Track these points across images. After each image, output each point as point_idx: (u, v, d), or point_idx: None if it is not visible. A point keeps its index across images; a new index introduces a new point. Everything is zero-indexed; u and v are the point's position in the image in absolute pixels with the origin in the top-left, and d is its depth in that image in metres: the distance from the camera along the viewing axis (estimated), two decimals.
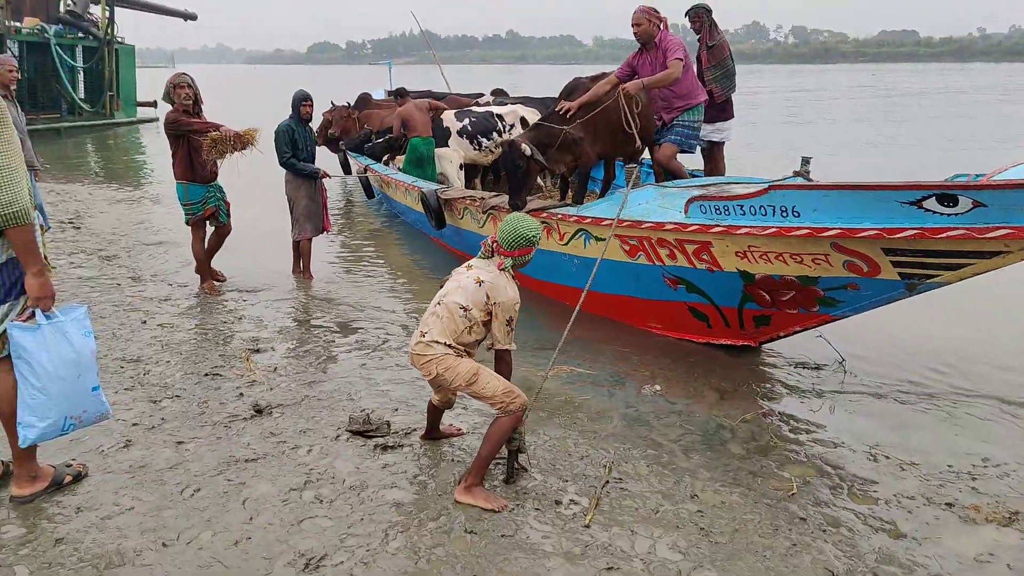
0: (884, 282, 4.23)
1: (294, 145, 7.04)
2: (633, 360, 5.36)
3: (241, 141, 6.34)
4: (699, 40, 7.33)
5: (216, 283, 6.98)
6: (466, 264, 3.71)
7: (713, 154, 7.18)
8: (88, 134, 22.57)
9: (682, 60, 6.10)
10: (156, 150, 20.20)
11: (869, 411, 4.59)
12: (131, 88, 26.49)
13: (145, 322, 5.82)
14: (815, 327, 4.99)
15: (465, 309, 3.42)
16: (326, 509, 3.21)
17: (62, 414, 3.02)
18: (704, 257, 4.99)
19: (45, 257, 3.19)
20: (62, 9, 23.46)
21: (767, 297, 4.92)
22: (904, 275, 4.13)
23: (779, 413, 4.47)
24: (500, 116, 9.22)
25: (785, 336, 5.21)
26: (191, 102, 6.42)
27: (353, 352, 5.35)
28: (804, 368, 5.25)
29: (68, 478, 3.29)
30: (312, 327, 5.91)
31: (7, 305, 2.98)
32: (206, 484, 3.36)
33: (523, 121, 9.16)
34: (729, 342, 5.46)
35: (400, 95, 10.95)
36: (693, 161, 7.41)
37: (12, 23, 21.38)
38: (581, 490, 3.50)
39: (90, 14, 23.98)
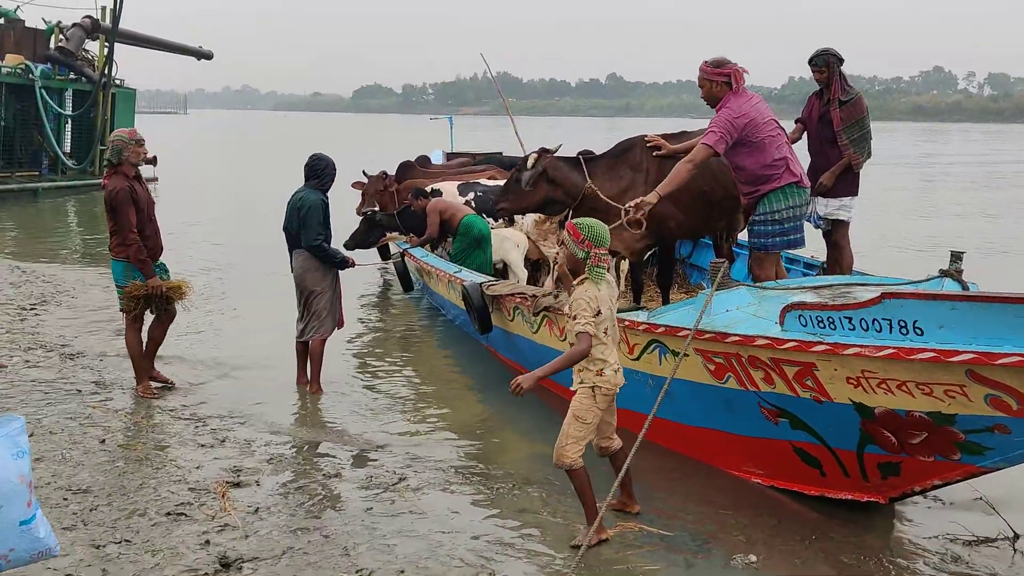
0: None
1: (326, 224, 7.47)
2: (723, 518, 5.37)
3: (168, 297, 7.22)
4: (828, 96, 7.48)
5: (156, 385, 7.45)
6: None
7: (836, 238, 7.28)
8: (71, 196, 24.08)
9: (711, 147, 6.32)
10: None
11: None
12: None
13: (103, 441, 6.18)
14: (960, 480, 4.94)
15: None
16: None
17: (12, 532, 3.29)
18: (808, 383, 5.05)
19: None
20: (52, 45, 25.36)
21: (892, 439, 4.92)
22: None
23: None
24: None
25: (922, 492, 5.17)
26: (143, 163, 7.24)
27: (359, 492, 5.55)
28: (957, 543, 5.13)
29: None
30: (313, 456, 6.16)
31: None
32: None
33: None
34: (851, 496, 5.43)
35: (417, 195, 10.88)
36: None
37: None
38: None
39: (85, 51, 25.88)
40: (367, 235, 10.69)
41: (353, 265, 7.72)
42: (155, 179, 29.36)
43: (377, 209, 10.90)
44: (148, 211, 7.19)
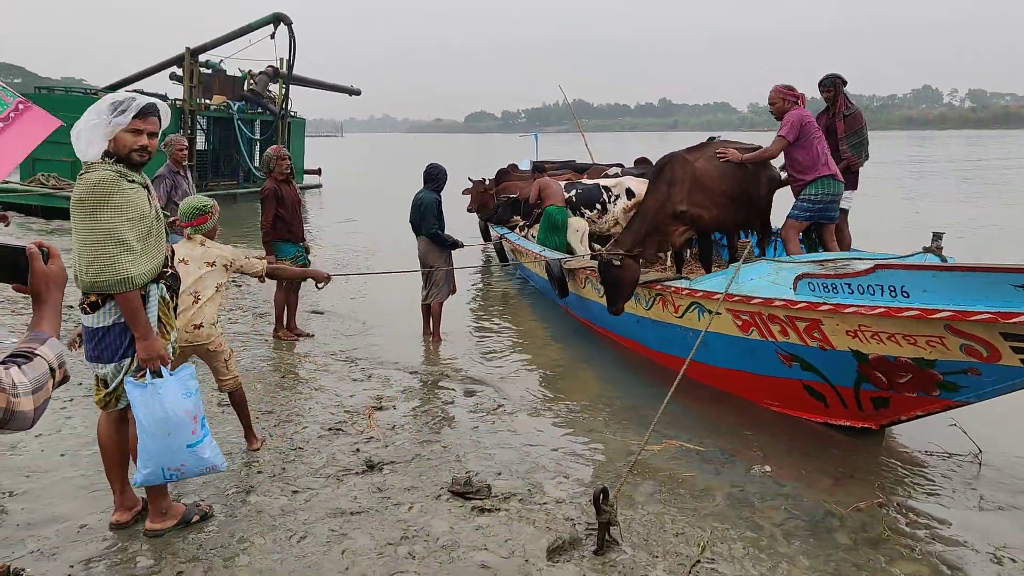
0: (1007, 368, 3.99)
1: (440, 217, 7.54)
2: (747, 438, 5.25)
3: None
4: (833, 111, 7.29)
5: (295, 336, 7.63)
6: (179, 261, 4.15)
7: (837, 222, 7.03)
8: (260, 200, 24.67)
9: (784, 137, 6.34)
10: (316, 214, 21.86)
11: (1002, 509, 4.26)
12: (300, 157, 28.82)
13: (283, 376, 6.33)
14: (940, 412, 4.72)
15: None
16: (416, 565, 3.38)
17: (159, 465, 3.38)
18: (815, 335, 4.88)
19: (167, 322, 3.53)
20: (246, 88, 26.02)
21: (883, 379, 4.72)
22: None
23: (897, 504, 4.23)
24: (607, 188, 9.52)
25: (907, 420, 4.96)
26: (289, 172, 7.31)
27: (469, 414, 5.57)
28: (932, 457, 4.95)
29: (196, 517, 3.67)
30: (435, 388, 6.21)
31: (124, 362, 3.37)
32: (311, 532, 3.63)
33: (628, 192, 9.38)
34: (848, 423, 5.25)
35: (537, 169, 11.37)
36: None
37: (203, 100, 23.96)
38: (670, 568, 3.48)
39: (269, 92, 26.46)
40: (504, 215, 10.88)
41: (462, 246, 7.75)
42: (320, 185, 30.16)
43: (510, 199, 10.91)
44: (293, 206, 7.32)
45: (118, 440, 3.54)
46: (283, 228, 7.28)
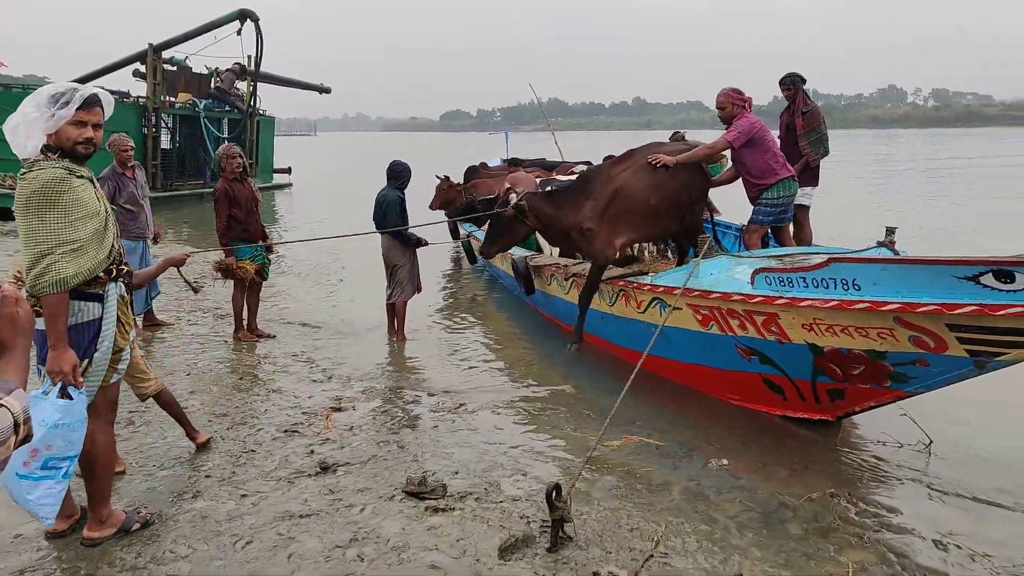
0: (952, 359, 4.04)
1: (403, 214, 7.48)
2: (706, 432, 5.27)
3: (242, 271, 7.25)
4: (792, 108, 7.35)
5: (255, 337, 7.58)
6: None
7: (799, 219, 7.08)
8: None
9: (728, 140, 6.33)
10: (287, 214, 21.69)
11: (949, 498, 4.31)
12: (269, 156, 28.60)
13: (241, 377, 6.26)
14: (891, 402, 4.77)
15: None
16: (364, 567, 3.35)
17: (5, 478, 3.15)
18: (773, 328, 4.91)
19: (126, 321, 3.47)
20: (212, 85, 25.73)
21: (838, 371, 4.76)
22: (972, 352, 3.93)
23: (848, 494, 4.26)
24: None
25: (862, 411, 5.01)
26: (240, 170, 7.24)
27: (429, 414, 5.54)
28: (884, 447, 4.99)
29: (136, 525, 3.59)
30: (397, 388, 6.16)
31: (83, 364, 3.26)
32: (258, 537, 3.58)
33: None
34: (805, 416, 5.29)
35: (513, 163, 11.35)
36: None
37: (168, 98, 23.64)
38: (623, 563, 3.48)
39: (236, 89, 26.18)
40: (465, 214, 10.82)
41: (426, 244, 7.70)
42: (290, 184, 29.92)
43: (476, 200, 10.88)
44: (247, 205, 7.22)
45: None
46: (238, 228, 7.19)
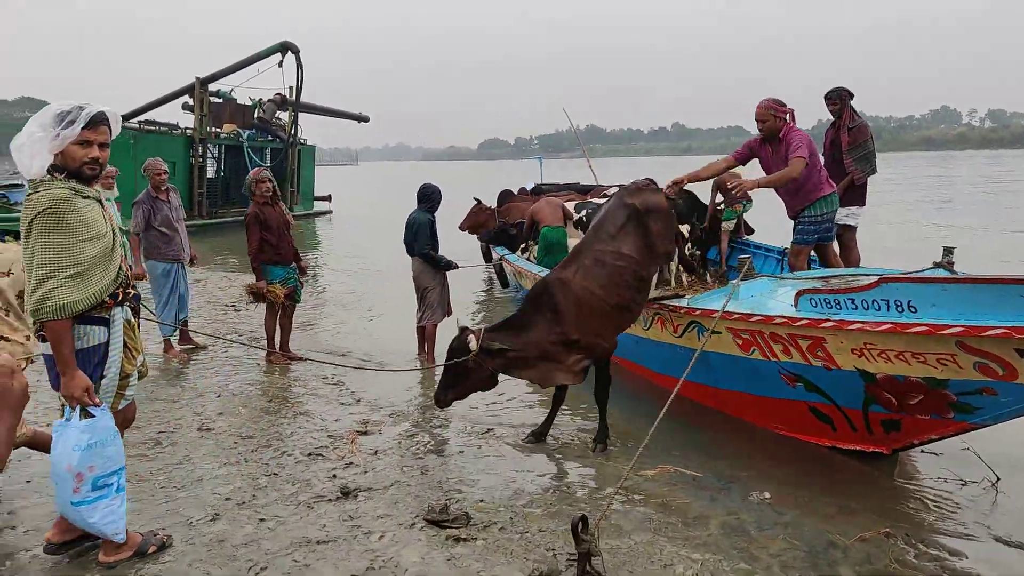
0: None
1: (433, 237, 7.39)
2: (747, 463, 4.99)
3: (272, 295, 7.24)
4: (839, 123, 7.11)
5: (286, 359, 7.48)
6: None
7: (845, 241, 6.79)
8: None
9: (805, 159, 5.90)
10: (328, 240, 21.83)
11: (1017, 542, 3.97)
12: (310, 184, 28.96)
13: (271, 400, 6.15)
14: (954, 435, 4.44)
15: None
16: None
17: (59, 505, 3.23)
18: (819, 353, 4.64)
19: (132, 346, 3.37)
20: (255, 116, 26.23)
21: (893, 400, 4.46)
22: None
23: (906, 535, 3.94)
24: None
25: (921, 444, 4.68)
26: (271, 194, 7.20)
27: (457, 439, 5.36)
28: (946, 484, 4.65)
29: (152, 548, 3.46)
30: (425, 413, 6.00)
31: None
32: (273, 563, 3.42)
33: None
34: (858, 448, 4.97)
35: (536, 192, 11.25)
36: None
37: (213, 129, 24.13)
38: None
39: (278, 119, 26.64)
40: (497, 238, 10.75)
41: (456, 267, 7.59)
42: (330, 212, 30.20)
43: (510, 223, 10.79)
44: (279, 229, 7.21)
45: None
46: (270, 251, 7.16)
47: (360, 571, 3.37)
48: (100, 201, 3.24)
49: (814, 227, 6.16)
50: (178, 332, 7.81)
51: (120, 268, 3.27)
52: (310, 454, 4.92)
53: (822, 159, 6.61)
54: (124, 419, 3.49)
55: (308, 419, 5.70)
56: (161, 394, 6.20)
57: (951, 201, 27.87)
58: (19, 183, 22.83)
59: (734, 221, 9.75)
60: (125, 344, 3.29)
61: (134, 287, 3.44)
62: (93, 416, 3.13)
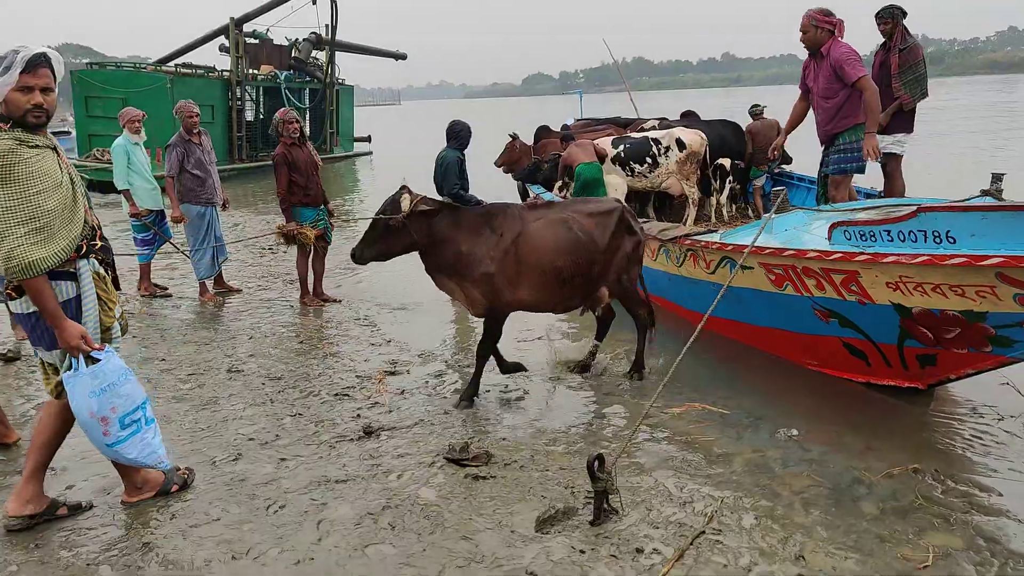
0: None
1: (462, 176, 7.28)
2: (777, 400, 4.91)
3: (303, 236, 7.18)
4: (890, 44, 6.73)
5: (321, 302, 7.52)
6: None
7: (889, 170, 6.51)
8: None
9: (864, 74, 5.73)
10: (367, 181, 21.87)
11: None
12: (349, 125, 28.88)
13: (302, 341, 6.23)
14: (992, 369, 4.29)
15: None
16: (394, 536, 3.20)
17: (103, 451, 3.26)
18: (853, 288, 4.48)
19: (107, 298, 3.25)
20: (292, 56, 26.08)
21: (929, 334, 4.31)
22: None
23: (935, 471, 3.84)
24: (656, 140, 9.01)
25: (957, 379, 4.53)
26: (298, 135, 7.19)
27: (485, 377, 5.34)
28: (981, 419, 4.51)
29: (175, 487, 3.55)
30: (456, 354, 6.02)
31: (59, 351, 3.13)
32: (291, 502, 3.49)
33: (679, 143, 8.89)
34: (893, 383, 4.84)
35: (566, 139, 10.81)
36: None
37: (250, 71, 24.09)
38: (669, 539, 3.22)
39: (314, 58, 26.46)
40: (532, 176, 10.33)
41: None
42: (370, 153, 30.18)
43: (544, 160, 10.55)
44: (307, 170, 7.19)
45: (50, 425, 3.30)
46: (299, 192, 7.16)
47: (376, 509, 3.42)
48: (56, 149, 3.09)
49: (851, 155, 5.94)
50: (213, 277, 7.92)
51: (85, 219, 3.14)
52: (336, 394, 4.99)
53: None
54: None
55: (337, 360, 5.76)
56: (194, 336, 6.33)
57: (1014, 129, 26.55)
58: (67, 131, 23.31)
59: (763, 178, 9.61)
60: (99, 297, 3.19)
61: (104, 239, 3.29)
62: (99, 360, 3.10)
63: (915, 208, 3.94)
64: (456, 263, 4.83)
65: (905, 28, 6.72)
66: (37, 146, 2.96)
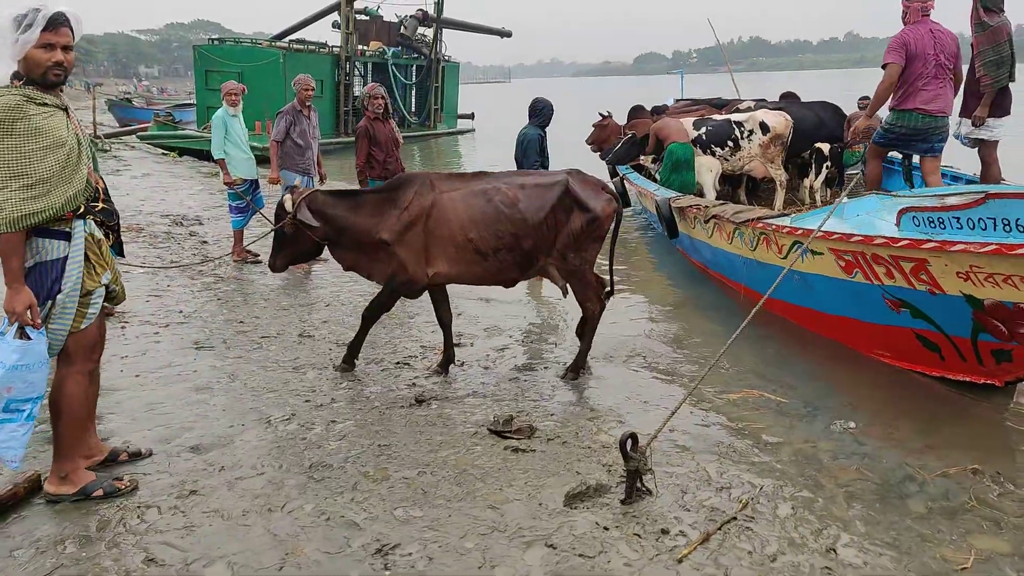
0: None
1: (543, 153, 7.30)
2: (840, 391, 4.77)
3: None
4: (975, 21, 6.32)
5: None
6: None
7: (984, 156, 6.12)
8: (414, 144, 25.25)
9: (887, 63, 5.93)
10: (468, 157, 22.13)
11: None
12: (453, 102, 29.27)
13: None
14: None
15: None
16: (424, 500, 3.30)
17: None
18: (923, 277, 4.26)
19: (96, 261, 3.18)
20: (399, 33, 26.60)
21: (1003, 328, 4.05)
22: None
23: (996, 472, 3.62)
24: (738, 123, 8.74)
25: None
26: (382, 111, 7.37)
27: (546, 354, 5.41)
28: None
29: (99, 492, 3.28)
30: (524, 324, 6.10)
31: (46, 306, 3.06)
32: (333, 463, 3.63)
33: (763, 126, 8.57)
34: (969, 379, 4.58)
35: (657, 112, 10.73)
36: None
37: (360, 47, 24.73)
38: (699, 522, 3.19)
39: (421, 35, 26.88)
40: (627, 155, 10.13)
41: None
42: (472, 130, 30.49)
43: (630, 135, 10.41)
44: (387, 145, 7.38)
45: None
46: (378, 167, 7.37)
47: (412, 475, 3.53)
48: (65, 109, 3.07)
49: (883, 132, 6.08)
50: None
51: (87, 180, 3.10)
52: (398, 363, 5.13)
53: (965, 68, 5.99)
54: (85, 346, 3.23)
55: (406, 330, 5.92)
56: (276, 301, 6.62)
57: None
58: (190, 103, 24.59)
59: (857, 163, 9.26)
60: (88, 258, 3.12)
61: (108, 201, 3.28)
62: (30, 339, 2.96)
63: (983, 195, 3.70)
64: (358, 245, 4.74)
65: (983, 6, 6.29)
66: (46, 104, 2.95)
